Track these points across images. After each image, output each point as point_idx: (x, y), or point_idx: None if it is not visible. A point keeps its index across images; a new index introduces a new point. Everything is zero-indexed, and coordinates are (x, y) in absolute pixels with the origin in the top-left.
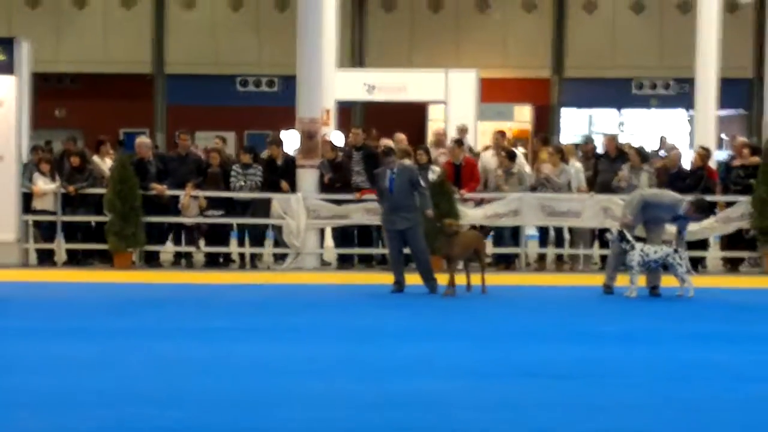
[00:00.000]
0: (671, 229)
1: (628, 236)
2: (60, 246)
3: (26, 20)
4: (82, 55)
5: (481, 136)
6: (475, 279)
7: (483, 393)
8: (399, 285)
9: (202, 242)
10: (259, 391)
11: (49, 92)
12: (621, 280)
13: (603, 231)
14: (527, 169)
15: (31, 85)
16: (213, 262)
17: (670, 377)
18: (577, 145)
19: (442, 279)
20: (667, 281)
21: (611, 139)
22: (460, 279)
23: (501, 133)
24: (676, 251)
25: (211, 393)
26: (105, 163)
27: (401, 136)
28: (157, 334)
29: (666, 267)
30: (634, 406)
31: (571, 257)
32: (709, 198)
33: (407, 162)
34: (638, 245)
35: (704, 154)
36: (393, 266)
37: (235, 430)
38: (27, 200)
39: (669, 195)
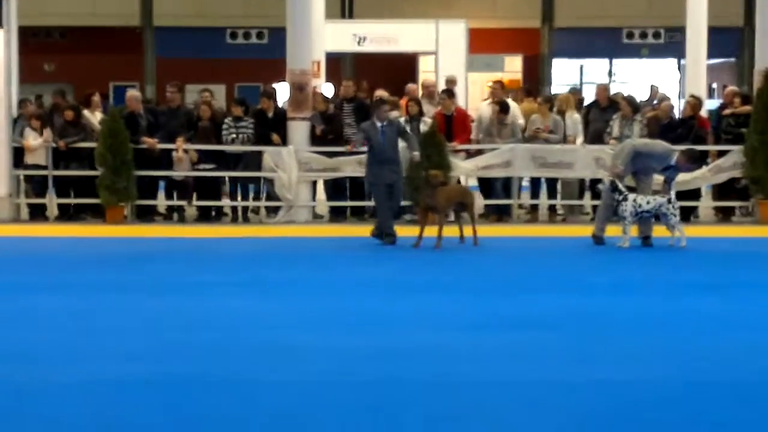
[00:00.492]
0: (659, 178)
1: (620, 186)
2: (52, 201)
3: None
4: (70, 8)
5: (472, 87)
6: (467, 231)
7: (476, 345)
8: (393, 237)
9: (194, 196)
10: (253, 344)
11: (38, 46)
12: (612, 231)
13: (594, 181)
14: (521, 121)
15: (18, 39)
16: (205, 215)
17: (662, 327)
18: (556, 96)
19: (413, 231)
20: (659, 231)
21: (603, 88)
22: (451, 231)
23: (500, 84)
24: (668, 201)
25: (200, 347)
26: (95, 117)
27: (383, 93)
28: (149, 289)
29: (658, 217)
30: (625, 356)
31: (565, 208)
32: (700, 148)
33: (393, 114)
34: (631, 196)
35: (695, 103)
36: (385, 219)
37: (223, 383)
38: (18, 155)
39: (660, 145)
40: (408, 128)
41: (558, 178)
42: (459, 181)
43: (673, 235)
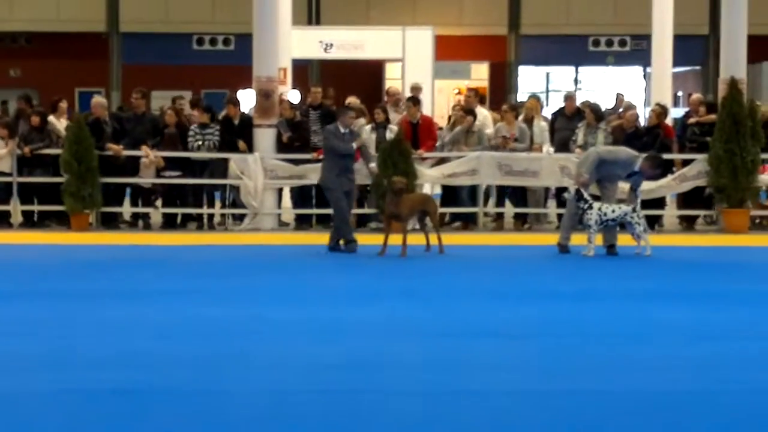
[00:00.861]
0: (624, 186)
1: (586, 195)
2: (16, 207)
3: None
4: (36, 13)
5: (438, 94)
6: (432, 239)
7: (439, 353)
8: (355, 243)
9: (159, 203)
10: (217, 353)
11: (3, 52)
12: (577, 239)
13: (560, 190)
14: (489, 130)
15: None
16: (170, 223)
17: (627, 336)
18: (522, 104)
19: (378, 239)
20: (624, 240)
21: (570, 97)
22: (417, 239)
23: (474, 91)
24: (633, 210)
25: (167, 356)
26: (61, 123)
27: (355, 100)
28: (113, 296)
29: (623, 225)
30: (590, 365)
31: (530, 216)
32: (665, 156)
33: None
34: (596, 204)
35: (660, 111)
36: (344, 225)
37: (191, 393)
38: None
39: (624, 151)
40: (374, 135)
41: (524, 186)
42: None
43: (638, 243)
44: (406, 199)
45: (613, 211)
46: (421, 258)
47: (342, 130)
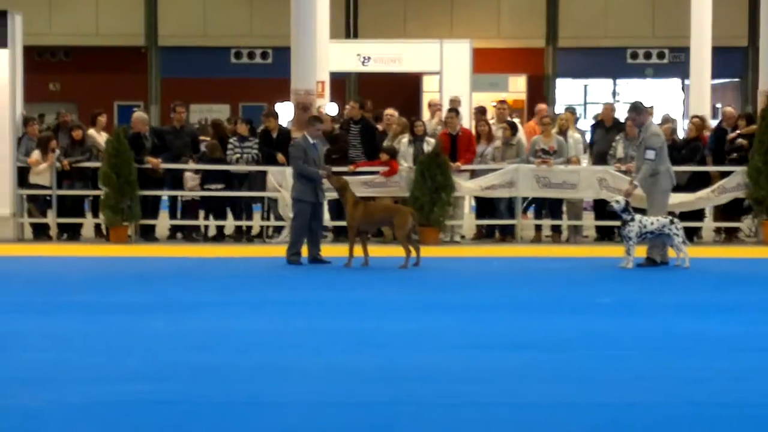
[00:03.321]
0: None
1: (629, 208)
2: (55, 220)
3: None
4: (75, 28)
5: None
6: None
7: (479, 365)
8: (298, 257)
9: (200, 215)
10: (255, 365)
11: (43, 66)
12: (614, 251)
13: (599, 202)
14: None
15: (24, 58)
16: (210, 235)
17: (666, 348)
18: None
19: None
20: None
21: (609, 108)
22: (445, 251)
23: (504, 103)
24: (672, 222)
25: (204, 367)
26: (101, 137)
27: (393, 112)
28: (151, 309)
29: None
30: (630, 377)
31: (569, 228)
32: (705, 169)
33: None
34: (637, 217)
35: (699, 124)
36: (300, 237)
37: (229, 404)
38: (21, 174)
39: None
40: (412, 148)
41: (562, 198)
42: (403, 202)
43: (678, 255)
44: (366, 206)
45: (652, 224)
46: (457, 271)
47: (310, 140)
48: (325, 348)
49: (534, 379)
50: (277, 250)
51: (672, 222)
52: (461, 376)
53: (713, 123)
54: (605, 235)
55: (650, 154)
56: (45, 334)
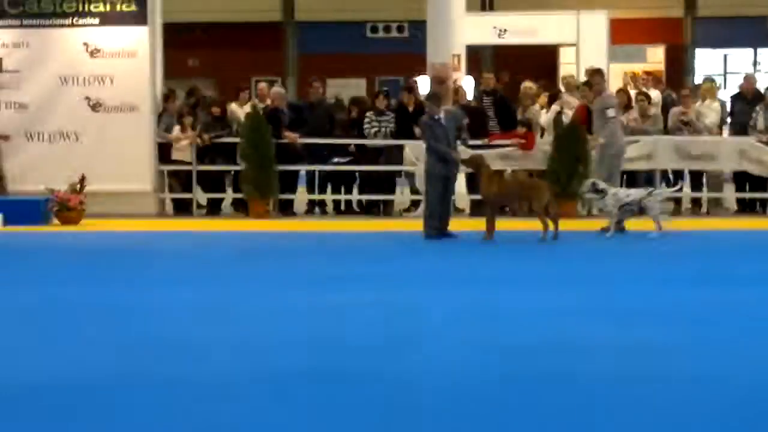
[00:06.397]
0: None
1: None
2: (196, 195)
3: None
4: (213, 4)
5: (614, 79)
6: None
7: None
8: (438, 231)
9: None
10: (392, 337)
11: (181, 42)
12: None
13: (739, 174)
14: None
15: (163, 35)
16: (339, 209)
17: None
18: (698, 86)
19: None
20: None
21: (750, 79)
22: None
23: (635, 75)
24: (650, 194)
25: (345, 340)
26: (242, 111)
27: (530, 84)
28: (291, 282)
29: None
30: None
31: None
32: None
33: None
34: (611, 190)
35: None
36: (435, 213)
37: (368, 377)
38: (163, 150)
39: None
40: (552, 121)
41: (702, 170)
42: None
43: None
44: (502, 180)
45: (628, 196)
46: (585, 242)
47: (436, 117)
48: (464, 320)
49: (677, 352)
50: (414, 223)
51: (650, 194)
52: (609, 349)
53: None
54: (746, 207)
55: None
56: (191, 308)
